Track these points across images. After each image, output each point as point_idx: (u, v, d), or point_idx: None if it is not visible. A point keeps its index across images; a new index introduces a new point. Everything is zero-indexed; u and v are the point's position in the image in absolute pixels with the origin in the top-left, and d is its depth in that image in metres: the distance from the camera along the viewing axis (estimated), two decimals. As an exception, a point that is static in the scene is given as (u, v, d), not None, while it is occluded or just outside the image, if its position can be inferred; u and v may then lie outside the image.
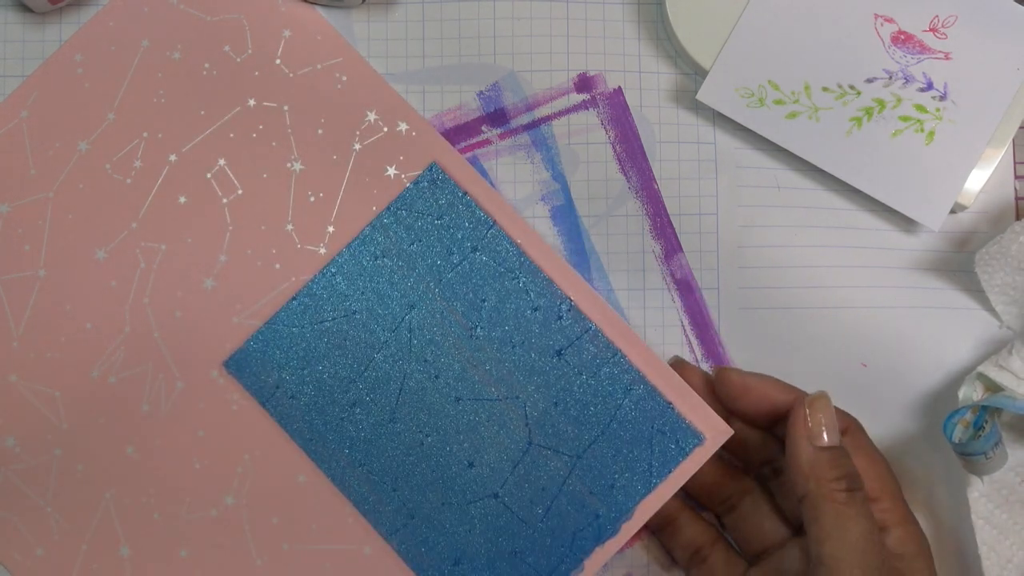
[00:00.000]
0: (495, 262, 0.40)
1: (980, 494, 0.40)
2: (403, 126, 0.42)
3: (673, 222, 0.44)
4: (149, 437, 0.41)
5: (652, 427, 0.39)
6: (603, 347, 0.40)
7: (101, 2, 0.44)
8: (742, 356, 0.43)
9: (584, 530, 0.39)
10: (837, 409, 0.37)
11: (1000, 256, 0.41)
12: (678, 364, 0.41)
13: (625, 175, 0.44)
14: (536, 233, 0.40)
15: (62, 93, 0.42)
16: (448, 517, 0.39)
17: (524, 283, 0.40)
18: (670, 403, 0.39)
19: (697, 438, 0.39)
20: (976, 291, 0.43)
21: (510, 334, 0.40)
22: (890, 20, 0.42)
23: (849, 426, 0.38)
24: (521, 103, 0.44)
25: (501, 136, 0.44)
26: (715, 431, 0.39)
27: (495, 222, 0.40)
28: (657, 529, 0.41)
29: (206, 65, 0.42)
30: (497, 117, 0.44)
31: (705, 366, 0.43)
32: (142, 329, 0.41)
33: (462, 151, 0.44)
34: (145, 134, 0.42)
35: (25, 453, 0.41)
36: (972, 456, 0.38)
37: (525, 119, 0.44)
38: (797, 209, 0.44)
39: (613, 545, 0.39)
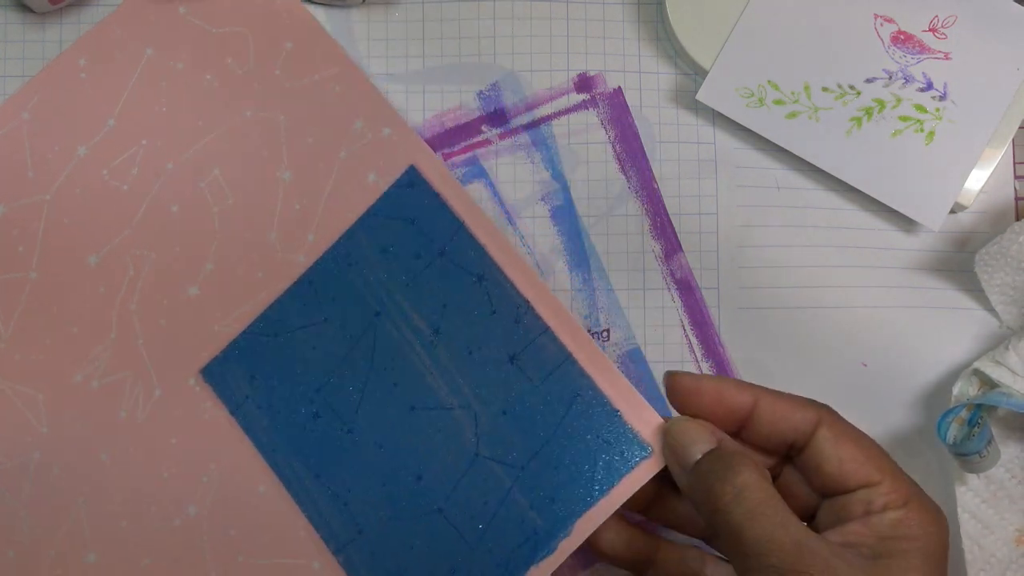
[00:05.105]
0: (460, 265, 0.39)
1: (968, 488, 0.41)
2: (387, 132, 0.41)
3: (673, 222, 0.44)
4: (124, 444, 0.40)
5: (598, 436, 0.37)
6: (555, 351, 0.38)
7: (102, 2, 0.44)
8: (742, 356, 0.43)
9: (521, 547, 0.36)
10: (801, 401, 0.35)
11: (1000, 256, 0.41)
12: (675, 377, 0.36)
13: (625, 175, 0.44)
14: (502, 234, 0.39)
15: (64, 97, 0.42)
16: (394, 533, 0.38)
17: (486, 286, 0.39)
18: (617, 411, 0.37)
19: (644, 450, 0.36)
20: (976, 291, 0.43)
21: (468, 340, 0.38)
22: (890, 20, 0.42)
23: (821, 418, 0.34)
24: (521, 103, 0.44)
25: (501, 136, 0.44)
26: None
27: (463, 223, 0.39)
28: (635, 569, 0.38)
29: (208, 76, 0.42)
30: (497, 117, 0.44)
31: (705, 366, 0.43)
32: (127, 335, 0.41)
33: (462, 151, 0.44)
34: (144, 141, 0.42)
35: (3, 455, 0.40)
36: (967, 455, 0.38)
37: (525, 119, 0.44)
38: (797, 209, 0.44)
39: (549, 564, 0.36)
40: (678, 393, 0.35)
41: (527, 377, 0.38)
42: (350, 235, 0.40)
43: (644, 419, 0.36)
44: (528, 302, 0.38)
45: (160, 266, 0.41)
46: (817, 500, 0.35)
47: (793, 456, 0.35)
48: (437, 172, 0.40)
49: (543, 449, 0.37)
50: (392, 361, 0.39)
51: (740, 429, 0.35)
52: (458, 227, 0.39)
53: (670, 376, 0.36)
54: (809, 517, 0.35)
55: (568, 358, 0.38)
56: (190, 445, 0.40)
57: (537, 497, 0.37)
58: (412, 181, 0.40)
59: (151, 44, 0.42)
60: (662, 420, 0.36)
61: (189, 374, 0.40)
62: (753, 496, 0.31)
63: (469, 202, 0.40)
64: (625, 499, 0.36)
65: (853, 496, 0.33)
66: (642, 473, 0.36)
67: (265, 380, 0.40)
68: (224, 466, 0.40)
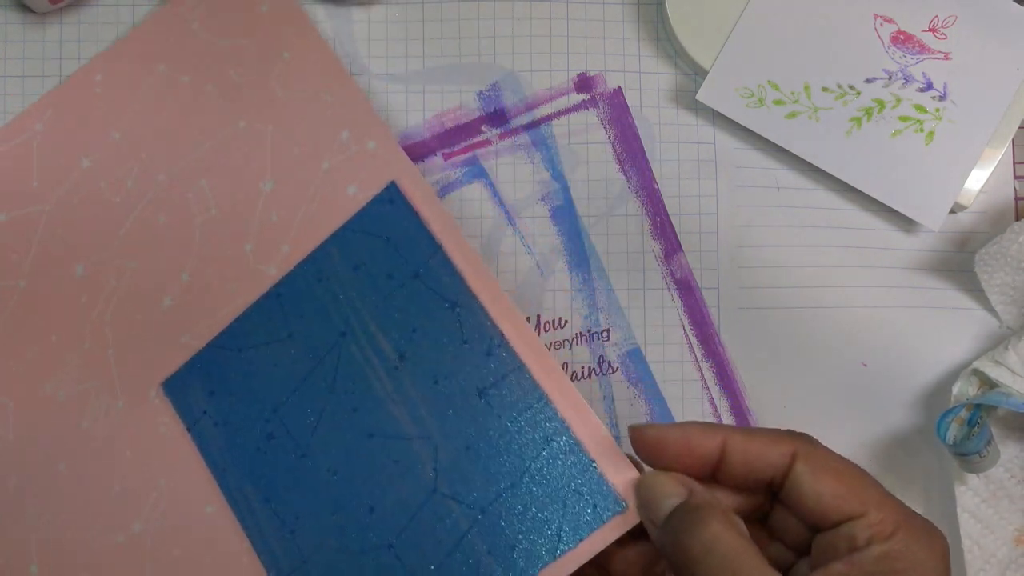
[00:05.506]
0: (433, 289, 0.37)
1: (968, 488, 0.41)
2: (372, 145, 0.39)
3: (673, 222, 0.44)
4: (81, 455, 0.39)
5: (569, 486, 0.34)
6: (528, 389, 0.35)
7: (102, 2, 0.44)
8: (742, 356, 0.43)
9: None
10: (774, 435, 0.33)
11: (1000, 256, 0.41)
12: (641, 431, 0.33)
13: (625, 175, 0.44)
14: (482, 261, 0.37)
15: (77, 111, 0.42)
16: (340, 566, 0.36)
17: (459, 313, 0.36)
18: (593, 460, 0.34)
19: (619, 505, 0.33)
20: (976, 291, 0.43)
21: (435, 368, 0.36)
22: (890, 20, 0.42)
23: (797, 451, 0.32)
24: (521, 103, 0.44)
25: (501, 136, 0.44)
26: None
27: (441, 246, 0.37)
28: None
29: (209, 87, 0.42)
30: (497, 117, 0.44)
31: (705, 366, 0.43)
32: (98, 345, 0.40)
33: (462, 151, 0.44)
34: (143, 155, 0.42)
35: None
36: (967, 455, 0.38)
37: (525, 119, 0.44)
38: (797, 209, 0.44)
39: None
40: (644, 446, 0.33)
41: (496, 414, 0.35)
42: (323, 249, 0.39)
43: (621, 471, 0.34)
44: (503, 335, 0.36)
45: (139, 276, 0.41)
46: (810, 535, 0.33)
47: (776, 492, 0.33)
48: (420, 191, 0.38)
49: (507, 493, 0.35)
50: (354, 385, 0.37)
51: (715, 472, 0.33)
52: (435, 250, 0.37)
53: (633, 430, 0.33)
54: (805, 553, 0.33)
55: (543, 399, 0.35)
56: (143, 460, 0.39)
57: (496, 543, 0.34)
58: (392, 198, 0.38)
59: (164, 61, 0.42)
60: (639, 474, 0.34)
61: (152, 387, 0.40)
62: (723, 550, 0.30)
63: (450, 225, 0.37)
64: (593, 554, 0.34)
65: (838, 531, 0.31)
66: (613, 529, 0.33)
67: (224, 396, 0.38)
68: (174, 483, 0.38)
